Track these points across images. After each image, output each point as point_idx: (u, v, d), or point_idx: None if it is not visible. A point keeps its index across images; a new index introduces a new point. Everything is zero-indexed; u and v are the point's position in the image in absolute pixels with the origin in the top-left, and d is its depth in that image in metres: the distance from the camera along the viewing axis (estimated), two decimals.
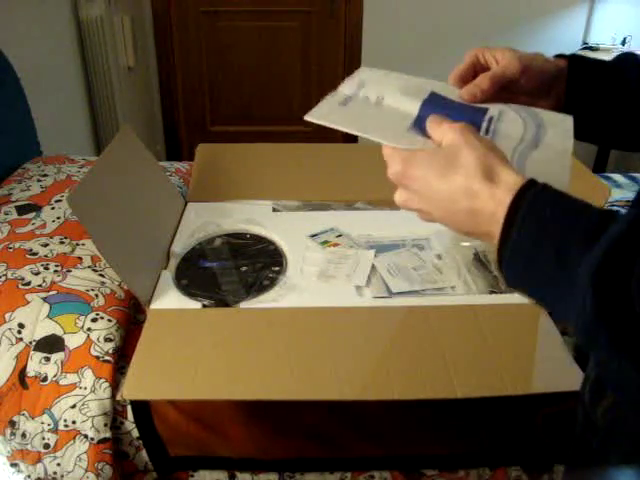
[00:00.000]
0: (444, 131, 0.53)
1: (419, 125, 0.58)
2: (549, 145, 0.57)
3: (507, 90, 0.62)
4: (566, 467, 0.76)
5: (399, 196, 0.54)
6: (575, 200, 0.45)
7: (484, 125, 0.58)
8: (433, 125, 0.55)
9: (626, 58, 0.67)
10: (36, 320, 0.99)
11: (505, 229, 0.46)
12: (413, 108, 0.60)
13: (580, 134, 0.63)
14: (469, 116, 0.59)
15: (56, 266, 1.09)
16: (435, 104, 0.61)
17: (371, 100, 0.63)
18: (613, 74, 0.66)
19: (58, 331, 0.98)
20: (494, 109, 0.60)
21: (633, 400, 0.57)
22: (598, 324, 0.40)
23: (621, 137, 0.68)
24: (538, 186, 0.46)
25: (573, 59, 0.66)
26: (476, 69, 0.64)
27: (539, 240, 0.44)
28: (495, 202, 0.47)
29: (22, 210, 1.27)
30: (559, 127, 0.59)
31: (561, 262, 0.43)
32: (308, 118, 0.59)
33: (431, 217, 0.53)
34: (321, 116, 0.60)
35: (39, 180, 1.39)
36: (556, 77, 0.65)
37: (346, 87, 0.66)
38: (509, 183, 0.47)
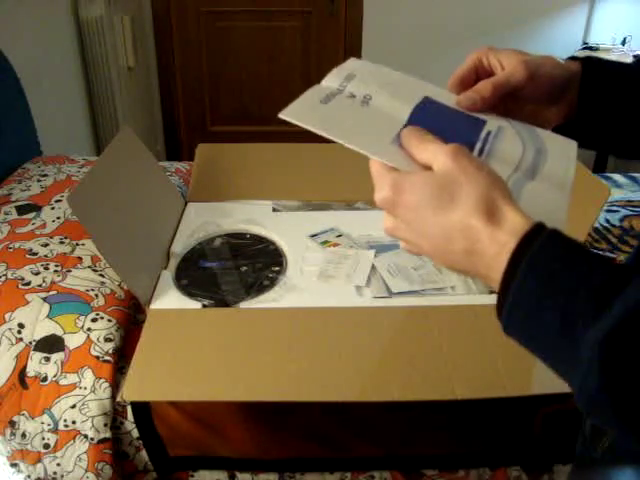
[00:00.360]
0: (433, 153, 0.46)
1: None
2: (547, 177, 0.51)
3: (511, 97, 0.56)
4: (572, 467, 0.75)
5: (387, 223, 0.49)
6: (586, 253, 0.40)
7: (478, 145, 0.51)
8: (415, 143, 0.48)
9: None
10: (36, 320, 0.99)
11: (506, 279, 0.41)
12: (402, 113, 0.54)
13: (595, 144, 0.58)
14: (464, 130, 0.53)
15: (56, 266, 1.09)
16: (427, 111, 0.55)
17: (357, 98, 0.56)
18: (633, 78, 0.59)
19: (58, 331, 0.98)
20: (493, 123, 0.54)
21: (628, 448, 0.55)
22: (603, 396, 0.37)
23: None
24: (545, 232, 0.41)
25: (588, 62, 0.59)
26: (478, 73, 0.58)
27: (543, 298, 0.40)
28: (497, 246, 0.42)
29: (22, 210, 1.27)
30: (561, 155, 0.53)
31: (566, 326, 0.39)
32: (282, 116, 0.51)
33: (420, 251, 0.48)
34: (298, 115, 0.52)
35: (39, 180, 1.39)
36: (568, 82, 0.58)
37: (332, 79, 0.58)
38: (514, 226, 0.42)
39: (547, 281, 0.40)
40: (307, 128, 0.51)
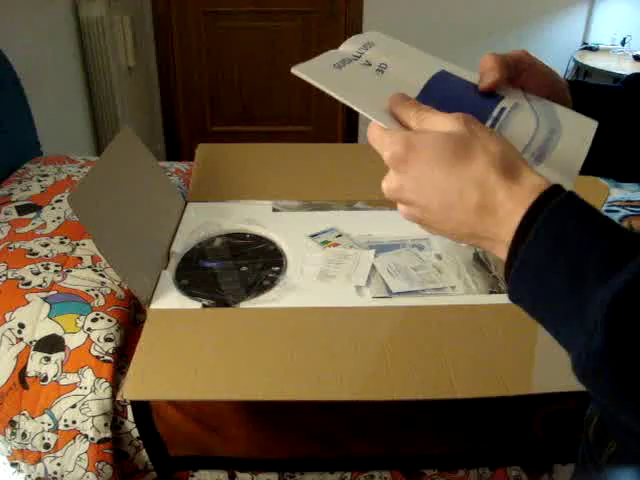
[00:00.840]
0: (440, 121, 0.45)
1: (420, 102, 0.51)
2: (556, 161, 0.50)
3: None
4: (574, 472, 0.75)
5: (391, 183, 0.47)
6: (602, 216, 0.40)
7: (490, 121, 0.51)
8: (413, 112, 0.47)
9: (636, 80, 0.61)
10: (36, 320, 0.99)
11: (518, 236, 0.41)
12: (418, 82, 0.53)
13: (591, 169, 0.56)
14: (478, 103, 0.52)
15: (56, 266, 1.09)
16: (443, 83, 0.54)
17: (372, 66, 0.55)
18: (622, 98, 0.60)
19: (58, 331, 0.98)
20: (509, 99, 0.52)
21: (633, 453, 0.54)
22: (604, 358, 0.37)
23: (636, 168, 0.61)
24: (563, 193, 0.41)
25: (575, 86, 0.59)
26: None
27: (554, 256, 0.39)
28: (513, 202, 0.41)
29: (22, 210, 1.27)
30: (575, 137, 0.51)
31: (575, 285, 0.38)
32: (295, 71, 0.51)
33: (422, 214, 0.47)
34: (309, 72, 0.51)
35: (39, 180, 1.40)
36: (562, 90, 0.57)
37: (350, 45, 0.57)
38: (532, 184, 0.42)
39: (560, 239, 0.39)
40: (316, 85, 0.50)
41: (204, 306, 1.04)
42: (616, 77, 2.65)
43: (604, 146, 0.55)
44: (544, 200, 0.41)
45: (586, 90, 0.59)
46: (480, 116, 0.50)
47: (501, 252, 0.43)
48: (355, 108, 0.49)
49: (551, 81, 0.56)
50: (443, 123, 0.45)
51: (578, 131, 0.52)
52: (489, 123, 0.50)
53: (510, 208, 0.41)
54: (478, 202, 0.42)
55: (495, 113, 0.51)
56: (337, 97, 0.50)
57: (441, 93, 0.53)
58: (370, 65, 0.55)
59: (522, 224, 0.41)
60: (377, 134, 0.47)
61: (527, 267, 0.41)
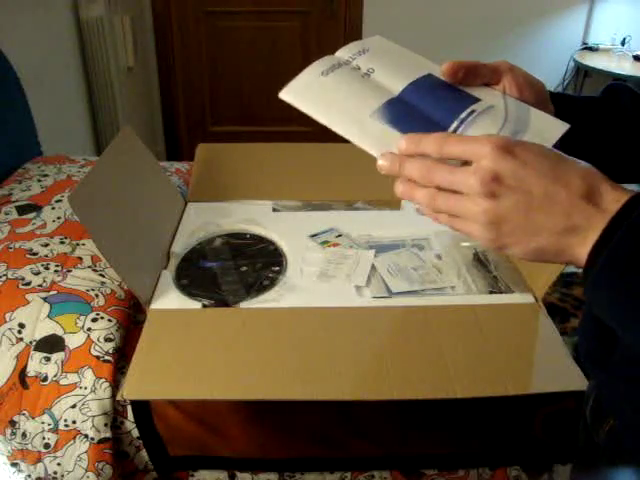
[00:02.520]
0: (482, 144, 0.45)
1: (390, 108, 0.53)
2: None
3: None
4: (572, 467, 0.76)
5: (494, 165, 0.44)
6: None
7: (455, 124, 0.52)
8: (455, 139, 0.47)
9: (615, 89, 0.64)
10: (36, 320, 0.99)
11: (604, 237, 0.42)
12: (398, 86, 0.55)
13: None
14: (452, 104, 0.53)
15: (56, 266, 1.09)
16: (421, 86, 0.55)
17: (361, 70, 0.57)
18: (604, 106, 0.63)
19: (58, 331, 0.98)
20: (485, 102, 0.54)
21: (630, 424, 0.56)
22: None
23: (621, 171, 0.62)
24: None
25: (557, 98, 0.61)
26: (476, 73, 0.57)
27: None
28: (612, 196, 0.43)
29: (22, 210, 1.27)
30: (536, 137, 0.52)
31: None
32: (282, 95, 0.55)
33: (513, 205, 0.44)
34: (295, 93, 0.55)
35: (39, 180, 1.40)
36: (544, 98, 0.59)
37: (346, 51, 0.60)
38: (616, 199, 0.43)
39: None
40: (303, 111, 0.54)
41: (204, 306, 1.04)
42: (616, 77, 2.65)
43: (589, 155, 0.56)
44: (632, 205, 0.42)
45: (566, 100, 0.61)
46: (448, 118, 0.52)
47: (591, 242, 0.43)
48: (332, 128, 0.52)
49: (530, 82, 0.58)
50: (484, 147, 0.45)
51: (543, 133, 0.53)
52: (454, 125, 0.52)
53: (613, 197, 0.43)
54: (584, 191, 0.43)
55: (463, 115, 0.52)
56: (318, 119, 0.54)
57: (416, 97, 0.54)
58: (359, 69, 0.57)
59: (608, 227, 0.42)
60: (449, 170, 0.46)
61: (612, 267, 0.41)
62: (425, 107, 0.53)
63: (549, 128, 0.53)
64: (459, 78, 0.56)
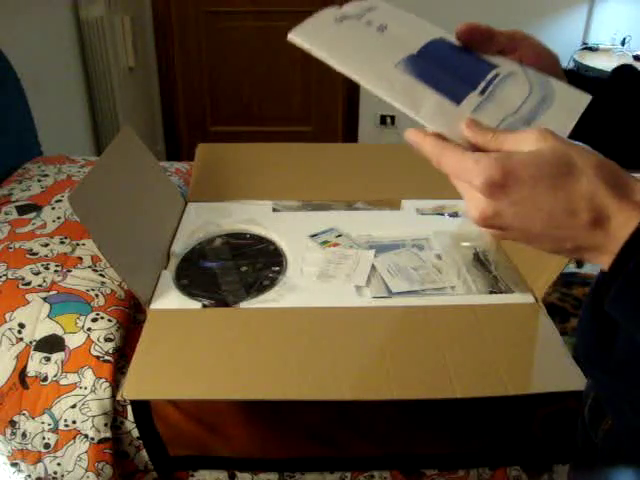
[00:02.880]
0: (525, 138, 0.43)
1: (413, 62, 0.51)
2: (543, 125, 0.49)
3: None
4: (570, 467, 0.76)
5: (483, 210, 0.43)
6: None
7: (482, 84, 0.50)
8: (489, 133, 0.45)
9: (623, 70, 0.62)
10: (36, 320, 0.99)
11: (629, 246, 0.40)
12: (416, 43, 0.53)
13: None
14: (472, 68, 0.52)
15: (56, 266, 1.09)
16: (440, 47, 0.54)
17: (373, 25, 0.55)
18: (613, 89, 0.60)
19: (58, 331, 0.98)
20: (504, 68, 0.53)
21: (628, 424, 0.56)
22: None
23: (630, 156, 0.59)
24: None
25: (570, 74, 0.59)
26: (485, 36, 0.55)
27: None
28: (624, 215, 0.40)
29: (22, 210, 1.27)
30: (566, 106, 0.51)
31: None
32: (291, 36, 0.53)
33: (518, 235, 0.44)
34: (305, 36, 0.53)
35: (39, 180, 1.40)
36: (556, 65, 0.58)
37: (352, 7, 0.57)
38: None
39: None
40: (312, 52, 0.52)
41: (204, 306, 1.04)
42: None
43: (598, 136, 0.55)
44: None
45: (579, 79, 0.59)
46: (474, 78, 0.51)
47: (604, 262, 0.42)
48: (346, 73, 0.50)
49: (546, 53, 0.57)
50: (528, 140, 0.43)
51: (570, 102, 0.52)
52: (482, 85, 0.51)
53: (621, 221, 0.40)
54: (590, 219, 0.41)
55: (489, 76, 0.51)
56: (336, 67, 0.51)
57: (437, 55, 0.53)
58: (371, 25, 0.55)
59: (633, 236, 0.40)
60: (457, 159, 0.44)
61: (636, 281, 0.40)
62: (448, 66, 0.52)
63: (573, 99, 0.52)
64: (474, 41, 0.54)
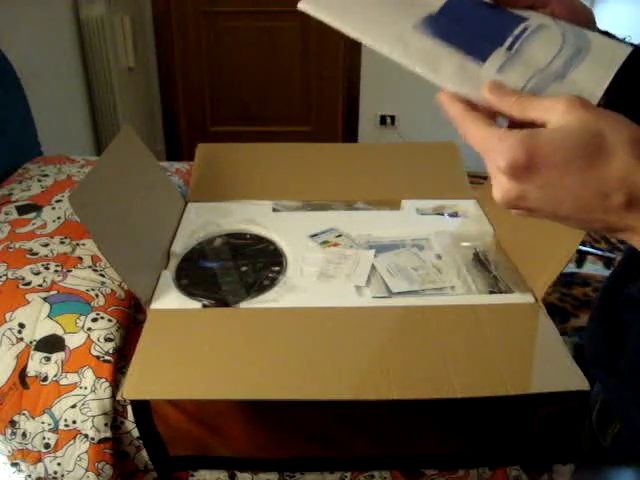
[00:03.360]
0: (552, 106, 0.40)
1: (434, 23, 0.48)
2: (576, 81, 0.46)
3: None
4: (575, 468, 0.76)
5: (508, 192, 0.41)
6: None
7: (510, 39, 0.47)
8: (516, 100, 0.42)
9: None
10: (36, 320, 0.99)
11: None
12: (435, 1, 0.50)
13: None
14: (499, 22, 0.49)
15: (56, 266, 1.09)
16: (465, 1, 0.51)
17: None
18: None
19: (58, 331, 0.98)
20: (534, 21, 0.49)
21: (638, 429, 0.56)
22: None
23: None
24: None
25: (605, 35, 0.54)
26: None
27: None
28: None
29: (22, 210, 1.27)
30: (602, 58, 0.47)
31: None
32: (301, 5, 0.50)
33: (546, 216, 0.42)
34: (315, 3, 0.50)
35: (39, 180, 1.40)
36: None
37: None
38: None
39: None
40: (323, 20, 0.49)
41: (204, 306, 1.04)
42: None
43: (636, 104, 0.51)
44: None
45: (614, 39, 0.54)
46: (501, 33, 0.48)
47: (638, 243, 0.40)
48: (362, 40, 0.48)
49: (581, 7, 0.53)
50: (555, 111, 0.40)
51: (606, 54, 0.48)
52: (510, 40, 0.48)
53: None
54: (624, 201, 0.38)
55: (517, 31, 0.48)
56: (350, 34, 0.49)
57: (460, 12, 0.50)
58: None
59: None
60: (481, 135, 0.42)
61: None
62: (472, 23, 0.49)
63: (610, 51, 0.48)
64: None
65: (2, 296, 1.02)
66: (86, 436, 0.95)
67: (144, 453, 1.00)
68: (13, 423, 0.96)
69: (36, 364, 0.96)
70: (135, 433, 0.98)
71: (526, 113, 0.42)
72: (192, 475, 1.03)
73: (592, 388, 0.67)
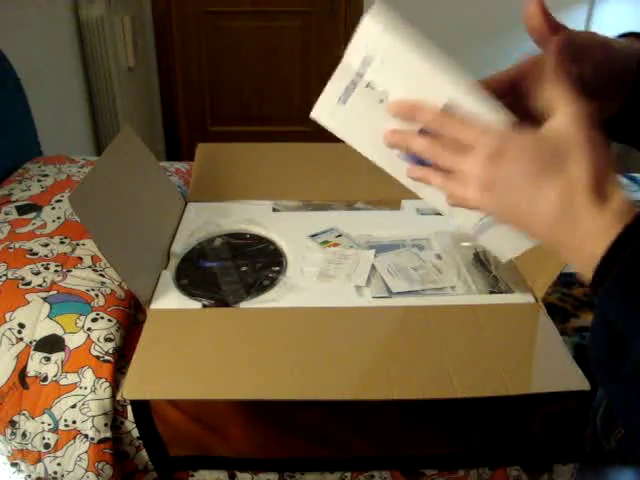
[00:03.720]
0: (558, 103, 0.43)
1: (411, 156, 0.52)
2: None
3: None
4: (578, 469, 0.75)
5: (482, 171, 0.45)
6: None
7: None
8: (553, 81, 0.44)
9: None
10: (36, 320, 0.99)
11: (604, 264, 0.41)
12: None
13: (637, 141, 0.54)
14: None
15: (56, 266, 1.09)
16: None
17: (375, 92, 0.53)
18: None
19: (58, 331, 0.98)
20: None
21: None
22: None
23: None
24: None
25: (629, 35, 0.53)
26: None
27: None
28: (596, 227, 0.41)
29: (22, 210, 1.27)
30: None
31: None
32: (314, 116, 0.55)
33: (490, 207, 0.47)
34: (326, 116, 0.55)
35: (39, 180, 1.40)
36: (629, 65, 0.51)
37: (352, 56, 0.55)
38: (619, 209, 0.41)
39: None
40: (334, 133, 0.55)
41: (204, 306, 1.04)
42: None
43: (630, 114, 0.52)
44: (631, 233, 0.40)
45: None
46: None
47: (578, 264, 0.43)
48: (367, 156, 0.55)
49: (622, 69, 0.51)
50: (559, 109, 0.43)
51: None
52: None
53: (594, 231, 0.41)
54: (556, 218, 0.42)
55: None
56: (352, 145, 0.56)
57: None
58: (373, 90, 0.53)
59: (607, 256, 0.41)
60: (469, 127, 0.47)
61: (614, 292, 0.41)
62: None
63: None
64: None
65: (2, 296, 1.02)
66: (86, 436, 0.95)
67: (144, 453, 1.00)
68: (13, 423, 0.96)
69: (36, 364, 0.96)
70: (135, 433, 0.98)
71: (551, 97, 0.44)
72: (192, 475, 1.03)
73: (596, 391, 0.67)
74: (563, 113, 0.43)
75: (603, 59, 0.50)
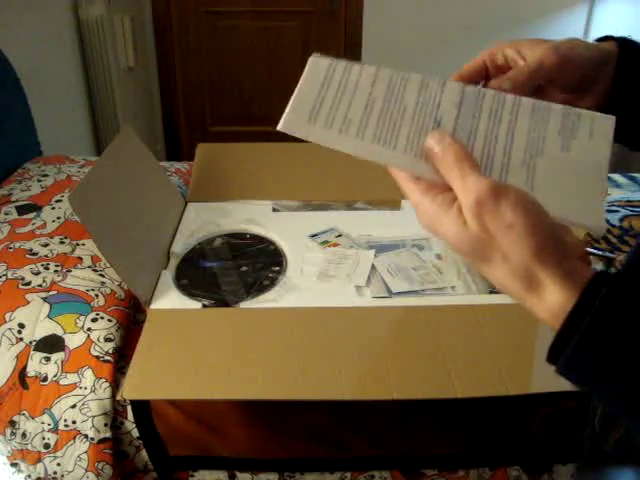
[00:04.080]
0: (465, 187, 0.40)
1: None
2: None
3: (541, 89, 0.51)
4: (576, 469, 0.75)
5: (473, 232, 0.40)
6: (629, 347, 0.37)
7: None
8: (455, 167, 0.41)
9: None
10: (36, 320, 0.99)
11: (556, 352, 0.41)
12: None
13: (628, 139, 0.52)
14: None
15: (56, 266, 1.09)
16: None
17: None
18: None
19: (58, 331, 0.98)
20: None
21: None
22: None
23: None
24: (584, 322, 0.38)
25: (625, 43, 0.52)
26: (490, 71, 0.53)
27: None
28: (541, 313, 0.41)
29: (22, 210, 1.27)
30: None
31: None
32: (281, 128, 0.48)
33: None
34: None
35: (39, 180, 1.40)
36: (602, 65, 0.51)
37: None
38: (554, 301, 0.39)
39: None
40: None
41: (204, 306, 1.04)
42: None
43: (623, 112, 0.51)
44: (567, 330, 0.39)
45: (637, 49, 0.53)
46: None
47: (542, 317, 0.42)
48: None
49: (590, 66, 0.50)
50: (468, 192, 0.40)
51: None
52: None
53: (543, 316, 0.41)
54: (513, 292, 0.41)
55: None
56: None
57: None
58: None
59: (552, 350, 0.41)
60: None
61: (575, 363, 0.41)
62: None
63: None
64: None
65: (2, 296, 1.02)
66: (86, 436, 0.95)
67: (144, 453, 1.00)
68: (13, 423, 0.96)
69: (36, 364, 0.96)
70: (135, 433, 0.98)
71: (454, 184, 0.41)
72: (192, 475, 1.03)
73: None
74: (465, 208, 0.40)
75: (570, 59, 0.50)
